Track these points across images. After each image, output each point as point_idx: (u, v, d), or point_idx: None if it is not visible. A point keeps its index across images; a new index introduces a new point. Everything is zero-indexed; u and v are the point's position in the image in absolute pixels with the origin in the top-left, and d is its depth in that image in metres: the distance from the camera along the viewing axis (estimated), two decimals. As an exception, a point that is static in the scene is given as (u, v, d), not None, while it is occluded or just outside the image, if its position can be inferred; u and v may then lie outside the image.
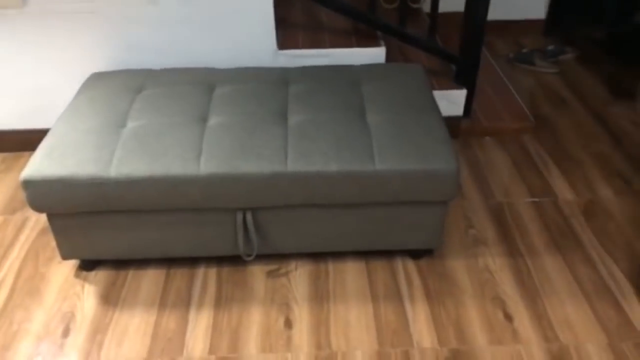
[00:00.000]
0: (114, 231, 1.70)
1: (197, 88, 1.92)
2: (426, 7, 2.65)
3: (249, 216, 1.68)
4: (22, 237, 1.94)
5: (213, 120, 1.76)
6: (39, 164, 1.59)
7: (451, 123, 2.43)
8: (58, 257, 1.84)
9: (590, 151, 2.37)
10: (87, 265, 1.81)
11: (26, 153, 2.33)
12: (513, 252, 1.89)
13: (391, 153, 1.64)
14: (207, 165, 1.60)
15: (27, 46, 2.12)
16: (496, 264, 1.84)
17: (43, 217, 2.00)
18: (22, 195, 2.12)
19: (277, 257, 1.85)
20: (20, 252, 1.88)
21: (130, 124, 1.74)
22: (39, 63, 2.15)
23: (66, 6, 2.04)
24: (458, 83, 2.36)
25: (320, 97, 1.88)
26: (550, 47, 3.06)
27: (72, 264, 1.83)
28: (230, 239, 1.73)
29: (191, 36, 2.13)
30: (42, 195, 1.58)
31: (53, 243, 1.89)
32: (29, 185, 1.56)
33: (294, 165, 1.61)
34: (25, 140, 2.30)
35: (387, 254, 1.86)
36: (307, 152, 1.64)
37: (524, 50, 3.06)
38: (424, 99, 1.91)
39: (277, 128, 1.73)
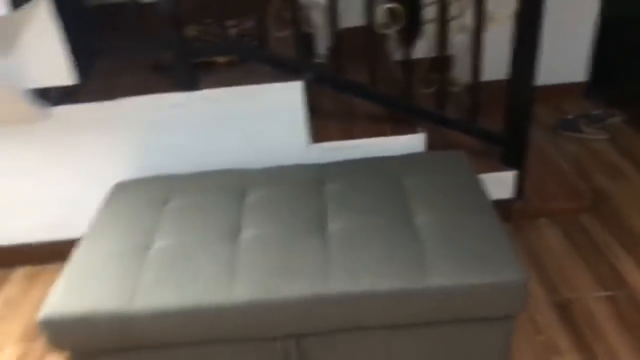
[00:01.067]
0: (141, 368, 1.53)
1: (227, 195, 1.79)
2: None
3: (291, 344, 1.49)
4: (45, 366, 1.79)
5: (246, 234, 1.61)
6: (58, 301, 1.45)
7: (501, 206, 2.23)
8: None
9: (660, 229, 2.15)
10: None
11: (49, 266, 2.21)
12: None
13: (447, 264, 1.45)
14: (241, 291, 1.43)
15: (50, 156, 2.04)
16: (575, 379, 1.61)
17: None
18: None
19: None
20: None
21: (156, 245, 1.60)
22: (63, 173, 2.07)
23: (89, 114, 1.96)
24: (506, 164, 2.18)
25: (360, 198, 1.72)
26: (596, 112, 2.88)
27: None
28: (270, 369, 1.55)
29: (218, 136, 2.03)
30: (62, 334, 1.43)
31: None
32: (47, 325, 1.42)
33: (337, 285, 1.43)
34: (49, 252, 2.19)
35: (448, 373, 1.63)
36: (351, 269, 1.46)
37: (569, 117, 2.88)
38: (475, 193, 1.73)
39: (316, 239, 1.57)
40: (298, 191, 1.78)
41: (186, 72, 1.96)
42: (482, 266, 1.44)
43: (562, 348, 1.71)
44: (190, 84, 1.96)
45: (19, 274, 2.21)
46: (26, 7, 1.63)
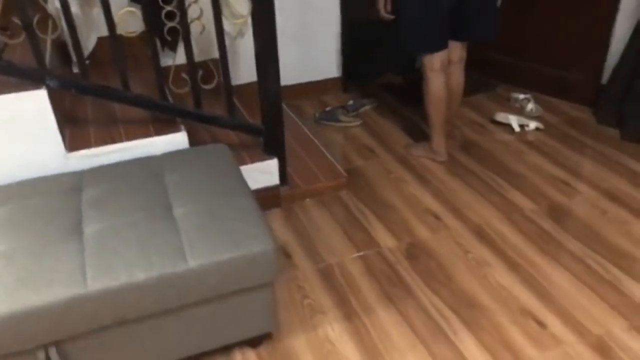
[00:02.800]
0: None
1: (-31, 215, 1.66)
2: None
3: (52, 352, 1.45)
4: None
5: (-9, 251, 1.52)
6: None
7: (270, 193, 2.43)
8: None
9: (401, 195, 2.51)
10: None
11: None
12: (350, 314, 1.87)
13: (203, 246, 1.54)
14: (-13, 308, 1.35)
15: None
16: (335, 331, 1.81)
17: None
18: None
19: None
20: None
21: None
22: None
23: None
24: (268, 153, 2.36)
25: (119, 199, 1.73)
26: (350, 102, 3.25)
27: None
28: (34, 384, 1.48)
29: (-44, 155, 1.86)
30: None
31: None
32: None
33: (94, 283, 1.43)
34: None
35: (224, 350, 1.73)
36: (108, 266, 1.47)
37: (328, 109, 3.21)
38: (232, 180, 1.85)
39: (71, 245, 1.54)
40: (53, 201, 1.73)
41: None
42: (235, 243, 1.56)
43: (325, 307, 1.91)
44: None
45: None
46: None
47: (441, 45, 2.44)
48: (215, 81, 2.15)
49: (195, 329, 1.61)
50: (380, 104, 3.33)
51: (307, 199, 2.49)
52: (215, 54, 2.16)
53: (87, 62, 2.14)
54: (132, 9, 1.94)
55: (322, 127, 3.11)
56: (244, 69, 2.84)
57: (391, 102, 3.38)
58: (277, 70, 2.21)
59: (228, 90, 2.20)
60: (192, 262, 1.50)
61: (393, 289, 1.97)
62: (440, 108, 2.57)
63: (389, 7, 2.49)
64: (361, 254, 2.15)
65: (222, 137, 2.46)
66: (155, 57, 2.05)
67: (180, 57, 2.20)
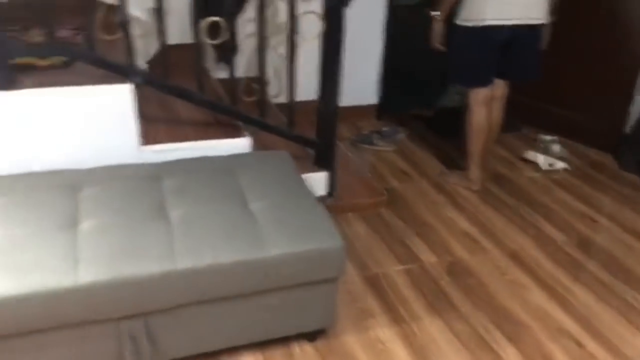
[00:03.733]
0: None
1: (59, 192, 1.77)
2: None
3: (138, 323, 1.54)
4: None
5: (84, 224, 1.63)
6: None
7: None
8: None
9: (438, 216, 2.64)
10: None
11: None
12: (397, 319, 1.98)
13: (280, 237, 1.66)
14: (86, 274, 1.45)
15: None
16: (385, 333, 1.92)
17: None
18: None
19: (166, 364, 1.70)
20: None
21: (-16, 239, 1.53)
22: None
23: None
24: (319, 165, 2.49)
25: (197, 190, 1.85)
26: (385, 129, 3.41)
27: None
28: (116, 353, 1.56)
29: (43, 138, 1.98)
30: None
31: None
32: None
33: (184, 261, 1.54)
34: None
35: (283, 340, 1.82)
36: (195, 247, 1.58)
37: (364, 132, 3.36)
38: (297, 183, 1.98)
39: (159, 225, 1.65)
40: (134, 186, 1.84)
41: (4, 72, 1.90)
42: (308, 237, 1.68)
43: (374, 312, 2.02)
44: (7, 84, 1.90)
45: None
46: None
47: (488, 81, 2.61)
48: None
49: (263, 316, 1.71)
50: (412, 133, 3.49)
51: (349, 213, 2.61)
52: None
53: (147, 65, 2.29)
54: (217, 19, 2.11)
55: (358, 149, 3.26)
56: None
57: (422, 131, 3.54)
58: (337, 89, 2.37)
59: (291, 104, 2.35)
60: (272, 251, 1.61)
61: (437, 301, 2.09)
62: (480, 139, 2.73)
63: (442, 40, 2.67)
64: (405, 267, 2.27)
65: (271, 145, 2.59)
66: (232, 67, 2.20)
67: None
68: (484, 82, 2.62)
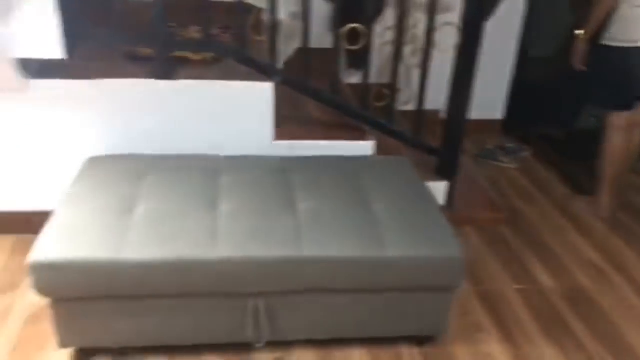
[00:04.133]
0: (119, 317, 1.62)
1: (202, 175, 1.94)
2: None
3: (261, 301, 1.66)
4: (9, 325, 1.81)
5: (223, 206, 1.78)
6: (47, 248, 1.54)
7: (433, 213, 2.55)
8: (51, 346, 1.71)
9: (560, 240, 2.53)
10: (84, 355, 1.70)
11: (8, 237, 2.21)
12: (509, 337, 1.94)
13: (401, 240, 1.70)
14: (222, 250, 1.59)
15: (27, 128, 2.10)
16: (496, 349, 1.88)
17: (30, 303, 1.89)
18: (5, 280, 2.01)
19: (281, 344, 1.80)
20: (8, 342, 1.75)
21: (138, 209, 1.72)
22: (37, 146, 2.12)
23: (70, 92, 2.06)
24: (440, 175, 2.50)
25: (322, 186, 1.94)
26: (510, 145, 3.32)
27: (67, 353, 1.71)
28: (238, 326, 1.69)
29: (190, 125, 2.18)
30: (50, 279, 1.51)
31: (44, 330, 1.77)
32: (37, 269, 1.49)
33: (309, 250, 1.63)
34: (11, 223, 2.21)
35: (392, 341, 1.86)
36: (320, 238, 1.67)
37: (488, 147, 3.30)
38: (419, 189, 2.01)
39: (288, 214, 1.76)
40: (267, 176, 1.98)
41: (164, 63, 2.12)
42: (429, 243, 1.71)
43: (485, 327, 1.99)
44: (166, 74, 2.12)
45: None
46: (35, -20, 1.74)
47: (631, 105, 2.47)
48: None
49: (376, 313, 1.76)
50: (538, 152, 3.37)
51: (467, 226, 2.58)
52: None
53: (282, 67, 2.43)
54: (357, 25, 2.20)
55: (480, 164, 3.21)
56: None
57: (549, 151, 3.40)
58: (467, 101, 2.36)
59: (420, 112, 2.38)
60: (391, 252, 1.66)
61: (553, 326, 2.01)
62: (616, 165, 2.58)
63: (584, 59, 2.56)
64: (521, 287, 2.21)
65: (391, 151, 2.63)
66: (365, 72, 2.29)
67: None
68: (628, 105, 2.48)
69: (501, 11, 2.95)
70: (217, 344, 1.76)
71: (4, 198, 2.22)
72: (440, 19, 2.25)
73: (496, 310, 2.07)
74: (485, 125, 3.54)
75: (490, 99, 3.50)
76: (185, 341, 1.71)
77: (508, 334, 1.96)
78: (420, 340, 1.86)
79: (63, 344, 1.64)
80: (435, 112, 2.99)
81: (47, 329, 1.70)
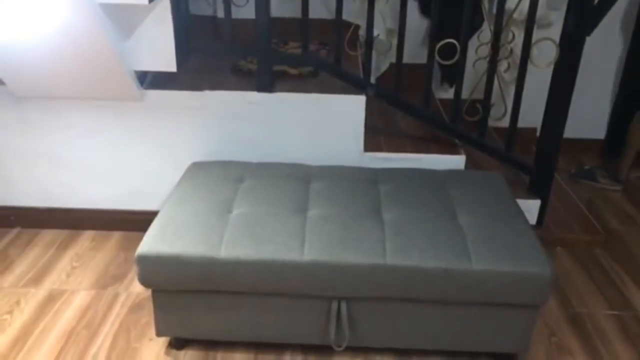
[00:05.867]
0: (211, 311, 1.76)
1: (294, 182, 2.05)
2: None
3: (343, 305, 1.73)
4: (114, 312, 2.01)
5: (312, 212, 1.87)
6: (153, 242, 1.70)
7: (523, 231, 2.50)
8: (149, 334, 1.89)
9: (664, 269, 2.39)
10: (178, 344, 1.85)
11: (115, 233, 2.45)
12: (599, 364, 1.87)
13: (486, 254, 1.70)
14: (310, 253, 1.68)
15: (135, 134, 2.32)
16: (583, 375, 1.82)
17: (133, 294, 2.08)
18: (112, 271, 2.22)
19: (361, 350, 1.86)
20: (112, 327, 1.94)
21: (236, 211, 1.86)
22: (147, 150, 2.34)
23: (177, 101, 2.25)
24: (532, 193, 2.45)
25: (410, 197, 1.98)
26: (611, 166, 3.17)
27: (163, 341, 1.87)
28: (321, 328, 1.77)
29: (286, 135, 2.31)
30: (153, 271, 1.67)
31: (144, 320, 1.95)
32: (142, 261, 1.66)
33: (393, 258, 1.68)
34: (119, 221, 2.44)
35: (471, 355, 1.85)
36: (404, 247, 1.71)
37: (586, 167, 3.17)
38: (510, 206, 1.99)
39: (373, 223, 1.82)
40: (356, 186, 2.05)
41: (266, 76, 2.26)
42: (516, 258, 1.69)
43: (573, 350, 1.93)
44: (268, 86, 2.26)
45: (87, 236, 2.45)
46: (156, 1, 1.94)
47: None
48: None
49: (458, 326, 1.76)
50: (644, 175, 3.19)
51: (559, 247, 2.50)
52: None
53: (375, 81, 2.49)
54: (452, 41, 2.23)
55: (576, 184, 3.09)
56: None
57: (656, 175, 3.20)
58: (564, 118, 2.31)
59: (512, 128, 2.36)
60: (476, 265, 1.67)
61: (649, 357, 1.91)
62: None
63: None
64: (616, 312, 2.11)
65: (482, 166, 2.61)
66: (459, 87, 2.30)
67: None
68: None
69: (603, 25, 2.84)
70: (299, 344, 1.85)
71: (112, 198, 2.46)
72: (538, 33, 2.23)
73: (585, 334, 2.00)
74: (583, 144, 3.42)
75: (590, 117, 3.38)
76: (270, 339, 1.81)
77: (597, 357, 1.88)
78: (500, 358, 1.84)
79: (160, 332, 1.80)
80: (532, 130, 2.94)
81: (147, 319, 1.86)
